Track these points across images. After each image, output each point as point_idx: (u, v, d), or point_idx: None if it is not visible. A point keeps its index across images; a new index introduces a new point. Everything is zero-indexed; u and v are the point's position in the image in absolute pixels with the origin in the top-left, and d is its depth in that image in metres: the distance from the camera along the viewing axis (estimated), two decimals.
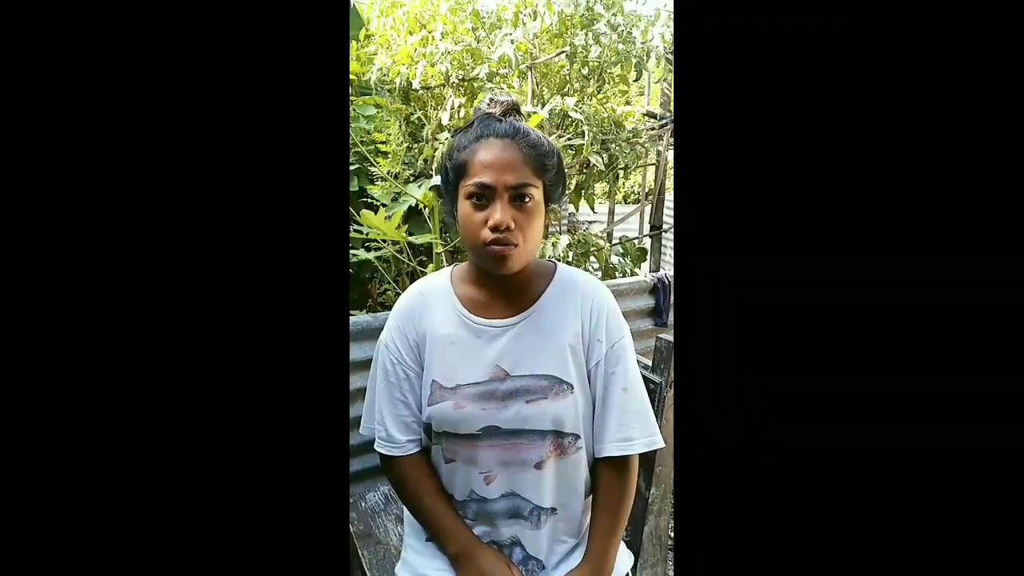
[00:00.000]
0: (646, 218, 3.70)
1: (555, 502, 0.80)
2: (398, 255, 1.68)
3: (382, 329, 0.84)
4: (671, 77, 2.69)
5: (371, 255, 1.63)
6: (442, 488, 0.82)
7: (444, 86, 2.43)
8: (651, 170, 3.66)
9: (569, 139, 2.29)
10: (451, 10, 2.45)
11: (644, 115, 2.92)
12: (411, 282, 0.98)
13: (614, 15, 2.34)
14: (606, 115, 2.41)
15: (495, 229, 0.70)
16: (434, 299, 0.82)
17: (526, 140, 0.73)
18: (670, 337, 1.09)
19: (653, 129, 2.85)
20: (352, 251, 1.61)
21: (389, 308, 0.89)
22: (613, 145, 2.44)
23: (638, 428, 0.79)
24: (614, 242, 3.08)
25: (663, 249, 3.25)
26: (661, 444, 0.80)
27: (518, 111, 0.78)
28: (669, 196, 3.14)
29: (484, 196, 0.71)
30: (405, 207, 1.61)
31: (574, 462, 0.80)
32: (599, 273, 2.39)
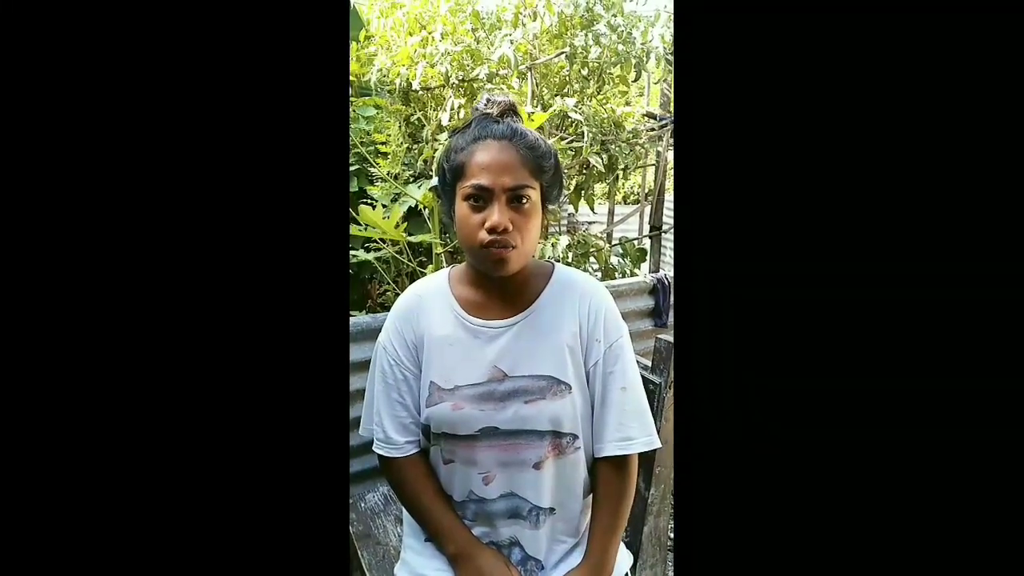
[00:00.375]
0: (646, 218, 3.70)
1: (554, 502, 0.80)
2: (398, 256, 1.68)
3: (381, 330, 0.84)
4: (671, 78, 2.69)
5: (371, 256, 1.63)
6: (441, 489, 0.82)
7: (444, 87, 2.44)
8: (651, 171, 3.66)
9: (570, 141, 2.29)
10: (451, 11, 2.45)
11: (644, 116, 2.92)
12: (411, 283, 0.98)
13: (614, 16, 2.35)
14: (606, 116, 2.42)
15: (492, 230, 0.70)
16: (432, 300, 0.82)
17: (523, 141, 0.73)
18: (670, 338, 1.09)
19: (653, 130, 2.85)
20: (352, 252, 1.61)
21: (389, 309, 0.89)
22: (613, 146, 2.44)
23: (637, 427, 0.79)
24: (614, 243, 3.08)
25: (663, 249, 3.25)
26: (659, 444, 0.80)
27: (515, 112, 0.78)
28: (669, 196, 3.15)
29: (481, 198, 0.71)
30: (405, 207, 1.61)
31: (573, 462, 0.79)
32: (599, 274, 2.39)
